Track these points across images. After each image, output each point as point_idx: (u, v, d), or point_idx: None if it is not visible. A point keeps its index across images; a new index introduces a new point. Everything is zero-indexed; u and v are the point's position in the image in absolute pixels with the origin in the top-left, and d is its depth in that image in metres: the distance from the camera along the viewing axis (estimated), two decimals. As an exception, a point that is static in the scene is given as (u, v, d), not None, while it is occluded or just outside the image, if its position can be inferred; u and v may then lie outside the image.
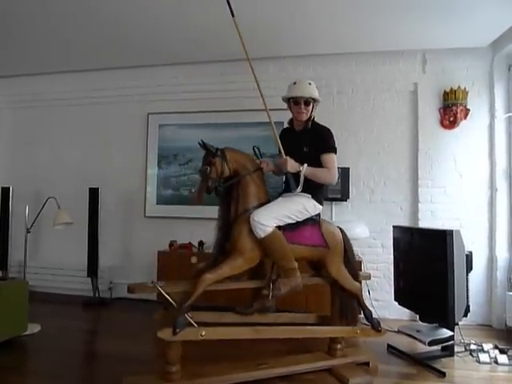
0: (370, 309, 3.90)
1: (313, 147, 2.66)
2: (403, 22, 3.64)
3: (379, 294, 4.14)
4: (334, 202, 4.28)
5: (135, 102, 4.92)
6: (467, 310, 3.06)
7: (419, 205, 4.16)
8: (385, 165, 4.29)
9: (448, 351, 3.05)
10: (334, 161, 2.66)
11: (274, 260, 2.58)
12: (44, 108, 5.20)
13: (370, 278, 3.20)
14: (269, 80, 4.42)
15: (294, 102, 2.71)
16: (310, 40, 4.08)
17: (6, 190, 4.60)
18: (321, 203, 2.72)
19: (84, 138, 5.08)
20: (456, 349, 3.10)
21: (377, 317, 2.93)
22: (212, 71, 4.65)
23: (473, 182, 4.06)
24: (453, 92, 4.06)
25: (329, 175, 2.64)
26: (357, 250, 4.17)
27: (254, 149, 2.79)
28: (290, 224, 2.58)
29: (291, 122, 2.84)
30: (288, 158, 2.61)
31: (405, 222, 4.16)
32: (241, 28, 3.80)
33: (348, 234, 3.89)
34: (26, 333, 3.33)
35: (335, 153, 2.68)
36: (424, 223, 4.08)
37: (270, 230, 2.44)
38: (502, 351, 3.07)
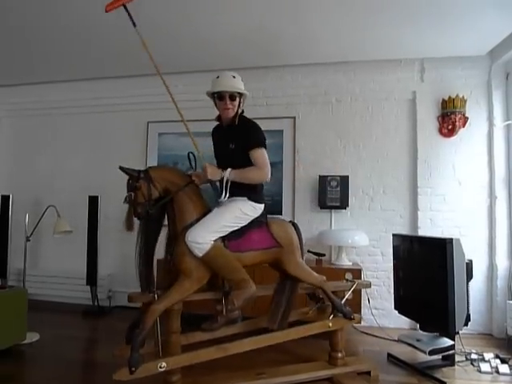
0: (370, 317, 3.94)
1: (239, 143, 2.47)
2: (402, 32, 3.67)
3: (379, 302, 4.12)
4: (333, 210, 4.28)
5: (135, 111, 4.94)
6: (468, 319, 3.03)
7: (419, 213, 4.16)
8: (384, 173, 4.30)
9: (449, 360, 3.03)
10: (263, 156, 2.45)
11: (222, 275, 2.45)
12: (44, 117, 5.22)
13: (370, 287, 3.17)
14: (268, 89, 4.48)
15: (218, 97, 2.53)
16: (309, 49, 4.10)
17: (5, 198, 4.60)
18: (260, 202, 2.54)
19: (84, 146, 5.09)
20: (457, 358, 3.08)
21: (346, 306, 2.82)
22: (211, 80, 4.67)
23: (472, 190, 4.06)
24: (451, 100, 4.08)
25: (259, 173, 2.45)
26: (356, 258, 4.20)
27: (188, 155, 2.61)
28: (234, 232, 2.45)
29: (219, 118, 2.65)
30: (208, 164, 2.43)
31: (404, 230, 4.16)
32: (241, 37, 3.85)
33: (348, 241, 3.94)
34: (25, 341, 3.32)
35: (265, 147, 2.48)
36: (423, 231, 4.08)
37: (207, 247, 2.32)
38: (503, 361, 3.06)
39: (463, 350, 3.22)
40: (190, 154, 2.60)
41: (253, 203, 2.50)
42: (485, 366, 2.97)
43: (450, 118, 4.08)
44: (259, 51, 4.12)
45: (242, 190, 2.46)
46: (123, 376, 2.16)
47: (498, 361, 3.05)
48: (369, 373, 2.83)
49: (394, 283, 3.59)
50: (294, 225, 2.73)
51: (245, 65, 4.16)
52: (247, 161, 2.46)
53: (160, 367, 2.25)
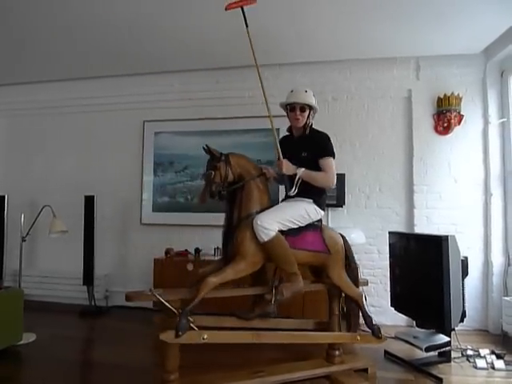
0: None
1: (311, 152, 2.69)
2: (397, 30, 3.68)
3: (376, 299, 4.13)
4: (329, 208, 4.28)
5: (131, 110, 4.92)
6: (463, 316, 3.06)
7: (414, 210, 4.17)
8: (380, 171, 4.32)
9: (445, 357, 3.05)
10: (331, 165, 2.68)
11: (277, 264, 2.59)
12: (39, 116, 5.19)
13: (367, 284, 3.20)
14: (265, 87, 4.46)
15: (290, 108, 2.76)
16: (306, 47, 4.11)
17: (1, 199, 4.57)
18: (322, 209, 2.75)
19: (79, 146, 5.07)
20: (453, 354, 3.10)
21: (376, 323, 2.93)
22: (207, 79, 4.67)
23: (468, 188, 4.08)
24: (446, 98, 4.09)
25: (326, 179, 2.67)
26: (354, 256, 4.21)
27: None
28: (292, 229, 2.60)
29: (290, 129, 2.88)
30: (285, 160, 2.65)
31: (400, 228, 4.17)
32: (237, 36, 3.85)
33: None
34: (22, 342, 3.31)
35: (333, 157, 2.71)
36: (419, 229, 4.09)
37: (272, 233, 2.46)
38: (498, 356, 3.07)
39: (459, 346, 3.24)
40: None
41: (316, 207, 2.70)
42: (480, 362, 2.99)
43: (445, 115, 4.09)
44: (256, 50, 4.08)
45: (309, 192, 2.67)
46: (169, 337, 2.23)
47: (493, 357, 3.07)
48: (366, 370, 2.85)
49: (390, 281, 3.61)
50: (343, 237, 2.89)
51: (241, 63, 4.15)
52: (317, 169, 2.68)
53: (203, 338, 2.33)
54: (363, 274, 3.95)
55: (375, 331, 2.87)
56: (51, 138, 5.17)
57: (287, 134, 2.94)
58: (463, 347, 3.25)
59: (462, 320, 3.04)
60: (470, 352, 3.17)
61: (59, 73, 4.84)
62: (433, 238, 3.15)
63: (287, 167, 2.64)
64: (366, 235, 4.08)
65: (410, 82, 4.30)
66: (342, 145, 4.37)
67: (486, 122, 4.05)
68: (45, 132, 5.19)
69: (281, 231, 2.53)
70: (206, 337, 2.34)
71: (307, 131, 2.77)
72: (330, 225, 4.28)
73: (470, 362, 3.06)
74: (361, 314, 2.87)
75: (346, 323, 2.89)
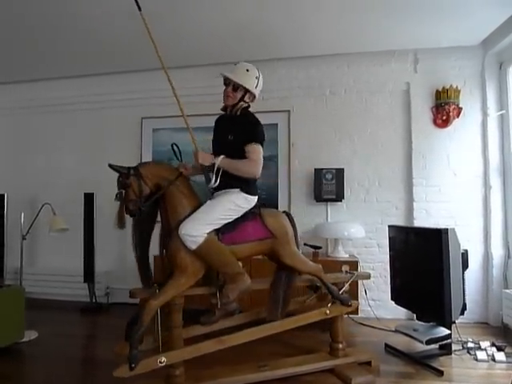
0: (367, 308, 3.96)
1: (238, 136, 2.48)
2: (395, 23, 3.66)
3: (376, 293, 4.14)
4: (329, 203, 4.29)
5: (129, 107, 4.90)
6: (464, 308, 3.06)
7: (414, 204, 4.17)
8: (379, 164, 4.31)
9: (445, 350, 3.06)
10: (258, 152, 2.45)
11: (216, 268, 2.46)
12: (38, 114, 5.18)
13: (369, 278, 3.17)
14: (262, 82, 4.44)
15: (223, 82, 2.59)
16: (303, 42, 4.09)
17: (0, 197, 4.56)
18: (253, 194, 2.54)
19: (78, 143, 5.06)
20: (453, 347, 3.11)
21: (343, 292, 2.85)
22: (205, 74, 4.65)
23: (467, 180, 4.08)
24: (445, 91, 4.08)
25: (250, 167, 2.44)
26: (353, 250, 4.22)
27: (172, 147, 2.60)
28: (228, 224, 2.44)
29: (225, 108, 2.68)
30: (200, 151, 2.47)
31: (400, 222, 4.17)
32: (234, 31, 3.84)
33: (344, 234, 3.95)
34: (23, 340, 3.33)
35: (261, 144, 2.49)
36: (419, 222, 4.09)
37: (201, 239, 2.31)
38: (499, 348, 3.08)
39: (460, 338, 3.25)
40: (174, 146, 2.59)
41: (246, 195, 2.49)
42: (481, 354, 3.00)
43: (444, 108, 4.08)
44: (253, 45, 4.10)
45: (234, 181, 2.46)
46: (123, 373, 2.17)
47: (494, 349, 3.08)
48: (369, 363, 2.86)
49: (390, 274, 3.61)
50: (288, 215, 2.72)
51: (239, 58, 4.08)
52: (243, 154, 2.46)
53: (160, 362, 2.26)
54: (363, 267, 3.96)
55: (344, 300, 2.78)
56: (50, 135, 5.16)
57: (222, 112, 2.73)
58: (464, 340, 3.25)
59: (462, 313, 3.05)
60: (470, 344, 3.18)
61: (57, 71, 4.82)
62: (433, 231, 3.15)
63: (203, 157, 2.44)
64: (365, 229, 4.09)
65: (408, 75, 4.28)
66: (341, 139, 4.37)
67: (485, 115, 4.04)
68: (44, 130, 5.18)
69: (216, 230, 2.39)
70: (163, 360, 2.26)
71: (238, 112, 2.56)
72: (329, 219, 4.29)
73: (470, 354, 3.07)
74: (325, 287, 2.76)
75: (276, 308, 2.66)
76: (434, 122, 4.17)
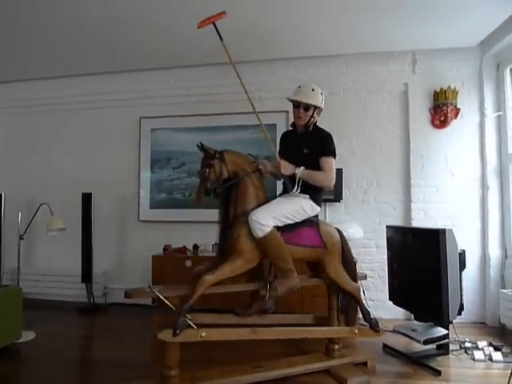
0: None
1: (312, 149, 2.67)
2: (393, 24, 3.67)
3: (374, 293, 4.15)
4: (327, 203, 4.29)
5: (127, 107, 4.90)
6: (461, 308, 3.08)
7: (412, 204, 4.18)
8: (377, 165, 4.32)
9: (443, 349, 3.07)
10: (331, 165, 2.67)
11: (272, 260, 2.57)
12: (36, 113, 5.17)
13: (366, 278, 3.21)
14: (260, 82, 4.45)
15: (293, 105, 2.76)
16: (301, 42, 4.09)
17: (-3, 197, 4.56)
18: (319, 204, 2.73)
19: (76, 143, 5.05)
20: (451, 347, 3.11)
21: (374, 317, 2.94)
22: (204, 74, 4.66)
23: (464, 181, 4.09)
24: (443, 92, 4.10)
25: (325, 178, 2.65)
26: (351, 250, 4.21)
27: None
28: (288, 225, 2.59)
29: (294, 124, 2.87)
30: (282, 160, 2.64)
31: (398, 222, 4.19)
32: (233, 31, 3.84)
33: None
34: (21, 340, 3.31)
35: (334, 157, 2.70)
36: (417, 222, 4.11)
37: (268, 229, 2.45)
38: (496, 348, 3.10)
39: (457, 338, 3.26)
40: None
41: (312, 203, 2.67)
42: (478, 354, 3.01)
43: (441, 109, 4.10)
44: (252, 45, 4.10)
45: (305, 188, 2.63)
46: (167, 337, 2.23)
47: (491, 348, 3.09)
48: (365, 363, 2.86)
49: (388, 275, 3.62)
50: (339, 231, 2.87)
51: (237, 59, 4.07)
52: (316, 166, 2.65)
53: (201, 336, 2.33)
54: (361, 268, 3.97)
55: (373, 325, 2.87)
56: (48, 135, 5.15)
57: (291, 128, 2.93)
58: (461, 340, 3.26)
59: (459, 313, 3.06)
60: (467, 344, 3.20)
61: (55, 70, 4.81)
62: (430, 231, 3.16)
63: (286, 167, 2.62)
64: (363, 230, 4.10)
65: (406, 76, 4.30)
66: (339, 139, 4.31)
67: (483, 115, 4.06)
68: (41, 129, 5.17)
69: (277, 227, 2.52)
70: (203, 335, 2.34)
71: (310, 128, 2.76)
72: (327, 220, 4.29)
73: (468, 354, 3.08)
74: (358, 308, 2.87)
75: (343, 318, 2.89)
76: (432, 122, 4.18)
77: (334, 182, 2.69)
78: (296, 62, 4.47)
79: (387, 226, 3.67)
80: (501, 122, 3.99)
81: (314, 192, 2.69)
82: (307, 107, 2.70)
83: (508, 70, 3.93)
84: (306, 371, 2.71)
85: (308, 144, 2.69)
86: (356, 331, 2.83)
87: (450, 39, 3.95)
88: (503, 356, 2.96)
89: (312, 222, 2.71)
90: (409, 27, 3.72)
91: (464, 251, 3.20)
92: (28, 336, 3.43)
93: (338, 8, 3.40)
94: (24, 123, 5.23)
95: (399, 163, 4.29)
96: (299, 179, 2.61)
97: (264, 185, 2.71)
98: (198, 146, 2.58)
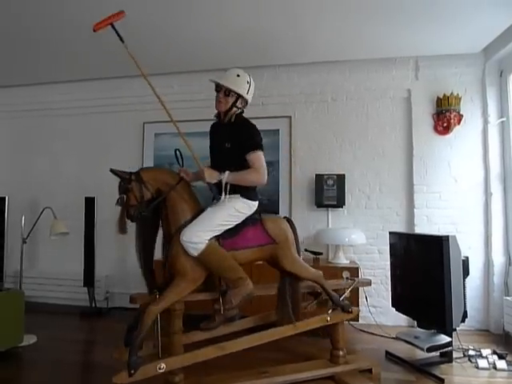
0: (368, 315, 3.95)
1: (235, 144, 2.46)
2: (396, 30, 3.68)
3: (376, 300, 4.13)
4: (330, 209, 4.29)
5: (131, 112, 4.92)
6: (465, 316, 3.05)
7: (415, 210, 4.17)
8: (380, 171, 4.32)
9: (446, 357, 3.04)
10: (260, 159, 2.44)
11: (218, 274, 2.46)
12: (40, 118, 5.20)
13: (370, 284, 3.18)
14: (263, 88, 4.46)
15: (215, 88, 2.58)
16: (304, 48, 4.11)
17: (1, 200, 4.56)
18: (254, 199, 2.53)
19: (80, 147, 5.07)
20: (454, 355, 3.09)
21: (344, 298, 2.83)
22: (207, 80, 4.66)
23: (468, 187, 4.08)
24: (446, 98, 4.10)
25: (256, 176, 2.43)
26: (354, 256, 4.21)
27: (175, 152, 2.59)
28: (229, 230, 2.44)
29: (218, 114, 2.64)
30: (205, 167, 2.46)
31: (401, 228, 4.17)
32: (236, 37, 3.86)
33: (345, 240, 3.94)
34: (22, 344, 3.30)
35: (261, 150, 2.46)
36: (420, 229, 4.09)
37: (202, 246, 2.31)
38: (500, 356, 3.07)
39: (461, 346, 3.23)
40: (177, 151, 2.59)
41: (246, 200, 2.49)
42: (482, 362, 2.98)
43: (444, 115, 4.10)
44: (254, 51, 4.12)
45: (234, 187, 2.45)
46: (123, 379, 2.14)
47: (495, 357, 3.06)
48: (370, 370, 2.83)
49: (391, 281, 3.60)
50: (289, 220, 2.72)
51: (240, 64, 4.09)
52: (242, 161, 2.44)
53: (159, 368, 2.24)
54: (364, 274, 3.95)
55: (345, 307, 2.78)
56: (52, 139, 5.17)
57: (215, 119, 2.70)
58: (465, 347, 3.24)
59: (463, 320, 3.03)
60: (471, 352, 3.17)
61: (60, 75, 4.84)
62: (433, 238, 3.15)
63: (210, 175, 2.42)
64: (366, 235, 4.08)
65: (409, 82, 4.30)
66: (342, 145, 4.38)
67: (486, 122, 4.05)
68: (46, 133, 5.19)
69: (217, 236, 2.39)
70: (163, 366, 2.24)
71: (232, 119, 2.54)
72: (330, 225, 4.28)
73: (471, 362, 3.05)
74: (326, 294, 2.75)
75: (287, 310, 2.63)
76: (435, 128, 4.18)
77: (265, 177, 2.46)
78: (299, 67, 4.48)
79: (390, 232, 3.65)
80: (504, 129, 3.98)
81: (244, 189, 2.48)
82: (227, 93, 2.51)
83: (511, 76, 3.92)
84: (310, 377, 2.68)
85: (230, 137, 2.48)
86: (328, 318, 2.74)
87: (452, 45, 3.95)
88: (507, 364, 2.94)
89: (255, 220, 2.53)
90: (412, 33, 3.73)
91: (467, 258, 3.18)
92: (29, 340, 3.43)
93: (340, 14, 3.42)
94: (28, 127, 5.26)
95: (402, 169, 4.29)
96: (226, 185, 2.40)
97: (194, 194, 2.55)
98: (110, 170, 2.40)
